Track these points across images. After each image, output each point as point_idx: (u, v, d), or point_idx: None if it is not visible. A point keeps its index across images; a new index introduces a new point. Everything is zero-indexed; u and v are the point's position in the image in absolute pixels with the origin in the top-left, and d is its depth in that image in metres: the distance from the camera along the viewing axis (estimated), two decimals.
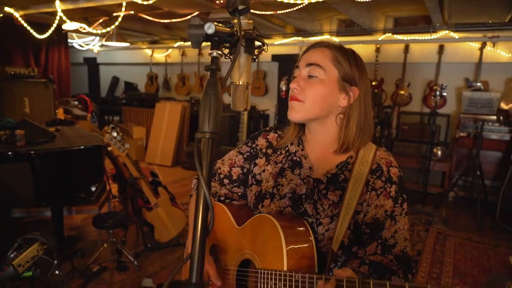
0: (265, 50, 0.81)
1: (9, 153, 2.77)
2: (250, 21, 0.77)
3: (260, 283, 0.89)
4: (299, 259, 0.86)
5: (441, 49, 5.25)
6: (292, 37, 6.22)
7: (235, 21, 0.72)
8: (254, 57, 0.79)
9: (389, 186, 0.95)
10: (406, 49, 5.47)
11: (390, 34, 5.52)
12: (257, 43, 0.79)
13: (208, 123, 0.62)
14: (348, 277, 0.73)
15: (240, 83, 0.78)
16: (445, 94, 4.97)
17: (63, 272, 2.73)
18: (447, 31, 5.07)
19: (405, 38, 5.43)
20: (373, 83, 5.69)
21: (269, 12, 4.22)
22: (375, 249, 0.94)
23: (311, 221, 0.97)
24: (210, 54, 0.66)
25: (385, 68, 5.74)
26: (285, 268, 0.84)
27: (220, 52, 0.66)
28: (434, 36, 5.16)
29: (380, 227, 0.94)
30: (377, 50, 5.65)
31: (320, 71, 0.94)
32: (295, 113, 0.97)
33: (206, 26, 0.59)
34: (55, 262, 1.54)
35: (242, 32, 0.72)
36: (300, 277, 0.80)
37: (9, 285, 1.37)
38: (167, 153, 6.57)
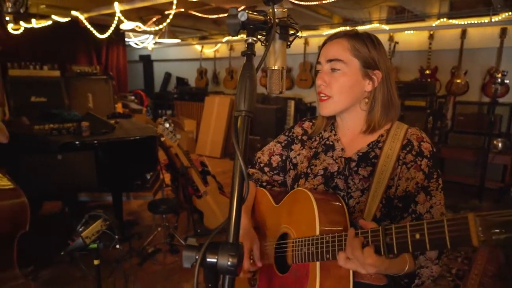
0: (299, 36, 0.87)
1: (76, 142, 3.09)
2: (284, 10, 0.83)
3: (295, 251, 0.96)
4: (332, 227, 0.91)
5: (503, 32, 4.86)
6: (339, 27, 6.11)
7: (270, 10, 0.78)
8: (289, 43, 0.85)
9: (420, 160, 0.97)
10: (463, 34, 5.14)
11: (445, 19, 5.22)
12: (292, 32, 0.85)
13: (244, 103, 0.69)
14: (372, 228, 0.78)
15: (276, 68, 0.84)
16: (507, 81, 4.62)
17: (122, 252, 3.00)
18: (510, 13, 4.69)
19: (462, 23, 5.10)
20: (426, 72, 5.43)
21: (315, 2, 4.20)
22: None
23: (342, 195, 1.01)
24: (246, 40, 0.73)
25: (439, 55, 5.44)
26: (317, 233, 0.89)
27: (255, 39, 0.73)
28: (495, 19, 4.79)
29: (412, 200, 0.97)
30: (431, 36, 5.37)
31: (342, 64, 0.99)
32: (326, 109, 1.04)
33: (240, 14, 0.67)
34: (116, 237, 1.72)
35: (276, 20, 0.78)
36: (330, 237, 0.85)
37: (78, 254, 1.57)
38: (216, 145, 6.81)
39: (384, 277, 0.98)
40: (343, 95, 1.00)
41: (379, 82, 1.01)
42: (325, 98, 1.01)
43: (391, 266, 0.83)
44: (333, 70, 1.00)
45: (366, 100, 1.02)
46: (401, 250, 0.72)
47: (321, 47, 1.06)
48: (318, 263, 0.89)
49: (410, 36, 5.69)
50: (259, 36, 0.79)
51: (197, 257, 0.64)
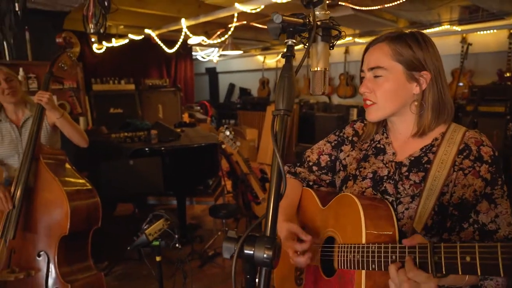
0: (343, 38, 0.87)
1: (146, 149, 3.36)
2: (327, 12, 0.84)
3: (340, 257, 0.94)
4: (379, 234, 0.88)
5: None
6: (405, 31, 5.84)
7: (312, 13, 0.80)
8: (331, 45, 0.86)
9: (479, 165, 0.90)
10: None
11: None
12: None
13: (282, 102, 0.72)
14: (420, 243, 0.74)
15: (318, 69, 0.86)
16: None
17: (185, 254, 3.16)
18: None
19: None
20: (506, 75, 4.94)
21: (377, 7, 4.09)
22: (472, 235, 0.89)
23: (391, 200, 0.98)
24: (285, 43, 0.75)
25: None
26: (363, 242, 0.87)
27: (294, 41, 0.75)
28: None
29: (469, 209, 0.90)
30: (511, 36, 4.89)
31: (383, 71, 0.96)
32: (372, 116, 1.02)
33: (275, 17, 0.70)
34: (176, 236, 1.83)
35: (318, 22, 0.80)
36: (376, 247, 0.83)
37: (142, 250, 1.70)
38: None
39: None
40: (389, 101, 0.97)
41: (428, 83, 0.95)
42: (370, 103, 1.00)
43: (444, 280, 0.78)
44: (375, 77, 0.98)
45: (416, 103, 0.98)
46: (450, 271, 0.68)
47: (363, 54, 1.03)
48: (364, 272, 0.87)
49: (485, 37, 5.25)
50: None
51: (235, 248, 0.67)
